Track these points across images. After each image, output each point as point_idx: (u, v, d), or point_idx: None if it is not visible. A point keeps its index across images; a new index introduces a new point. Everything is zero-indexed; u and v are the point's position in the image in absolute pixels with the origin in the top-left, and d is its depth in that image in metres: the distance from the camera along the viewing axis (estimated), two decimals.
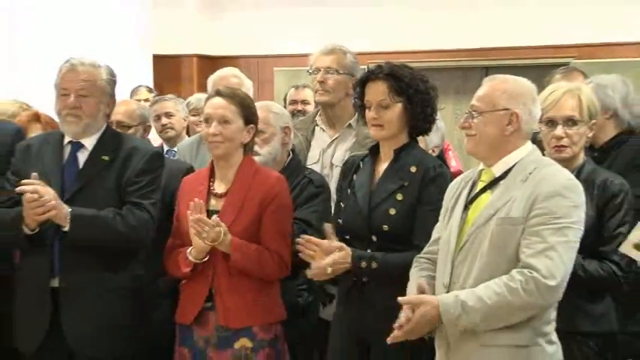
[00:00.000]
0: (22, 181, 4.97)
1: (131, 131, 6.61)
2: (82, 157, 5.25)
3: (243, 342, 4.94)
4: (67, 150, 5.29)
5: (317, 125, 6.37)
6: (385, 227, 4.75)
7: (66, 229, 4.98)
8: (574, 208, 4.09)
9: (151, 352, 5.42)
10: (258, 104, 5.37)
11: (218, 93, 5.27)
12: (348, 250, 4.74)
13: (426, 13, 13.17)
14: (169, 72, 13.71)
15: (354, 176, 5.07)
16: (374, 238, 4.80)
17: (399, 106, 4.78)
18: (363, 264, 4.72)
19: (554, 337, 4.18)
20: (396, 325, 4.06)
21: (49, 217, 4.93)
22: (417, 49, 12.46)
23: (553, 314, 4.17)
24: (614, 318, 4.83)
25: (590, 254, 4.58)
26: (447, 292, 4.18)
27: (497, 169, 4.16)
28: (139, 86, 10.42)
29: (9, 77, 10.44)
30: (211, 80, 6.83)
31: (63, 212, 4.94)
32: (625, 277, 4.68)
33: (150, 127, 7.18)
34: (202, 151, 6.39)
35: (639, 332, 5.13)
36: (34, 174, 4.97)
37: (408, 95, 4.79)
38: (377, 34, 12.85)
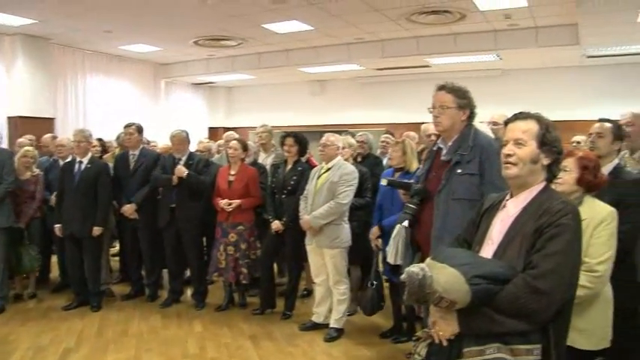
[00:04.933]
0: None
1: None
2: (181, 162, 5.61)
3: (240, 227, 5.43)
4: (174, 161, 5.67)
5: (261, 151, 6.36)
6: (289, 187, 5.21)
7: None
8: (354, 179, 4.84)
9: (208, 226, 5.66)
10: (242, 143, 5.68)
11: (235, 139, 5.75)
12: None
13: (305, 114, 13.57)
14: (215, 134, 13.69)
15: (278, 170, 5.39)
16: (285, 191, 5.21)
17: (296, 146, 5.23)
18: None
19: (347, 221, 4.90)
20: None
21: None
22: (302, 124, 12.78)
23: (347, 213, 4.87)
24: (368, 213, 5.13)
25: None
26: (311, 212, 4.83)
27: (329, 165, 4.85)
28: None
29: None
30: (225, 135, 6.67)
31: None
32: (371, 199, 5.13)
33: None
34: (223, 160, 6.23)
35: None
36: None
37: (299, 143, 5.26)
38: (287, 119, 13.21)
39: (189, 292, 6.13)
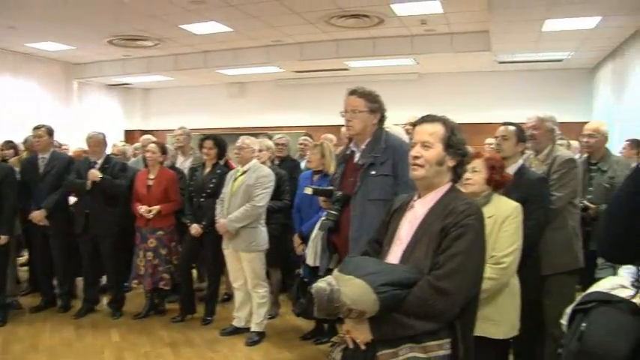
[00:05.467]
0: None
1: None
2: (97, 166, 5.44)
3: (160, 232, 5.37)
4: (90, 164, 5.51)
5: (179, 154, 6.39)
6: (208, 190, 5.16)
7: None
8: (270, 182, 4.86)
9: (126, 233, 5.55)
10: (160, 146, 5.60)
11: (153, 142, 5.65)
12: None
13: (223, 116, 13.48)
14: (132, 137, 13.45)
15: (196, 172, 5.35)
16: (204, 194, 5.18)
17: (215, 149, 5.20)
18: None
19: (264, 223, 4.93)
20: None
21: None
22: (221, 127, 12.73)
23: (263, 216, 4.89)
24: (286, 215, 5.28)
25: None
26: (227, 215, 4.81)
27: (245, 168, 4.85)
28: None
29: None
30: (142, 139, 6.90)
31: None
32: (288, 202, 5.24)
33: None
34: (140, 164, 6.15)
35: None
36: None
37: (218, 146, 5.23)
38: (206, 121, 13.07)
39: (105, 300, 5.95)
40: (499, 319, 2.83)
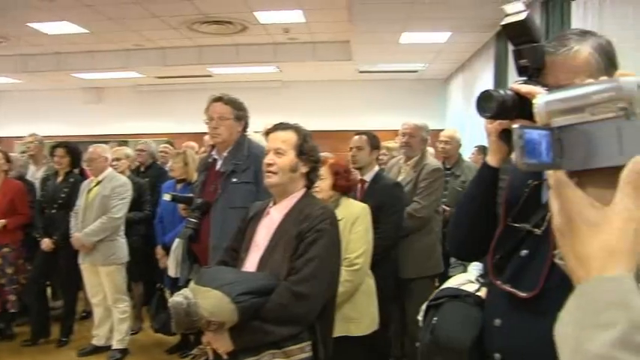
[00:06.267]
0: None
1: None
2: None
3: (5, 249, 4.97)
4: None
5: (30, 163, 5.96)
6: (60, 201, 4.88)
7: None
8: (127, 192, 4.68)
9: None
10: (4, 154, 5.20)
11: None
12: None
13: (80, 123, 12.78)
14: None
15: (48, 182, 5.05)
16: (55, 205, 4.87)
17: (68, 157, 4.90)
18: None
19: (123, 235, 4.73)
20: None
21: None
22: (78, 134, 12.22)
23: (122, 228, 4.67)
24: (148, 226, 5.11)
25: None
26: (82, 229, 4.53)
27: (99, 178, 4.61)
28: None
29: None
30: None
31: None
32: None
33: None
34: None
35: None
36: None
37: (70, 154, 4.93)
38: (61, 128, 12.33)
39: None
40: (358, 317, 3.00)
